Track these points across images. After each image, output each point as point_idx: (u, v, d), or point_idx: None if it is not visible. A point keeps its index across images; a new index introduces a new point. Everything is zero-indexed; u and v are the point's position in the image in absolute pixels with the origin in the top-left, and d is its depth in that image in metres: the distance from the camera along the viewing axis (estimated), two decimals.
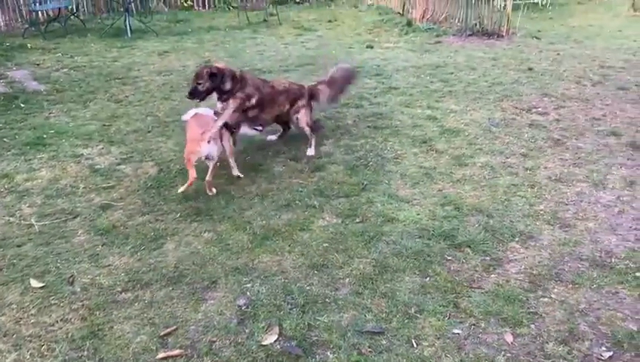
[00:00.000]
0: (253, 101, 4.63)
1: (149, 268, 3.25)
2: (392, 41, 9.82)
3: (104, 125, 5.68)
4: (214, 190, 4.10)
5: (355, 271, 3.18)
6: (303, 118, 4.94)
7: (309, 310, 2.85)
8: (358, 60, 8.32)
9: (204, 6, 13.87)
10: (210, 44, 9.74)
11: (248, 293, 3.00)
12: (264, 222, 3.73)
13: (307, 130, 4.96)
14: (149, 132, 5.47)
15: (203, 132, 3.96)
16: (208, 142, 3.95)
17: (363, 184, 4.28)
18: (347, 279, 3.11)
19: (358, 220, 3.75)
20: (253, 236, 3.56)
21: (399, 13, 11.69)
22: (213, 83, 4.48)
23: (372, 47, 9.29)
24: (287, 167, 4.62)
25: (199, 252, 3.40)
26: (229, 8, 13.45)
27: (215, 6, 13.92)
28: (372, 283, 3.06)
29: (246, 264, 3.26)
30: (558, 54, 8.43)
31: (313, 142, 4.92)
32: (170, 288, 3.06)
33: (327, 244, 3.45)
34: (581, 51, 8.61)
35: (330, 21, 11.98)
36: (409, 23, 10.68)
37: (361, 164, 4.66)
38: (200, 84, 4.48)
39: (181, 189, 3.96)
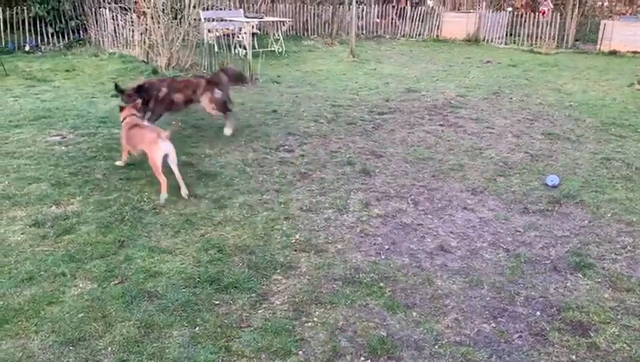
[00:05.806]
0: None
1: None
2: None
3: None
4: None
5: (118, 337, 2.93)
6: None
7: None
8: (102, 110, 7.87)
9: None
10: None
11: None
12: (0, 302, 3.19)
13: None
14: None
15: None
16: None
17: (120, 241, 4.01)
18: (109, 348, 2.84)
19: (117, 281, 3.48)
20: None
21: (144, 61, 11.47)
22: None
23: (118, 97, 8.88)
24: (27, 235, 4.07)
25: None
26: None
27: None
28: (138, 346, 2.86)
29: None
30: (297, 96, 9.28)
31: None
32: None
33: (82, 314, 3.12)
34: (315, 93, 9.64)
35: (68, 71, 11.09)
36: (155, 71, 10.54)
37: (115, 219, 4.36)
38: None
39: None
